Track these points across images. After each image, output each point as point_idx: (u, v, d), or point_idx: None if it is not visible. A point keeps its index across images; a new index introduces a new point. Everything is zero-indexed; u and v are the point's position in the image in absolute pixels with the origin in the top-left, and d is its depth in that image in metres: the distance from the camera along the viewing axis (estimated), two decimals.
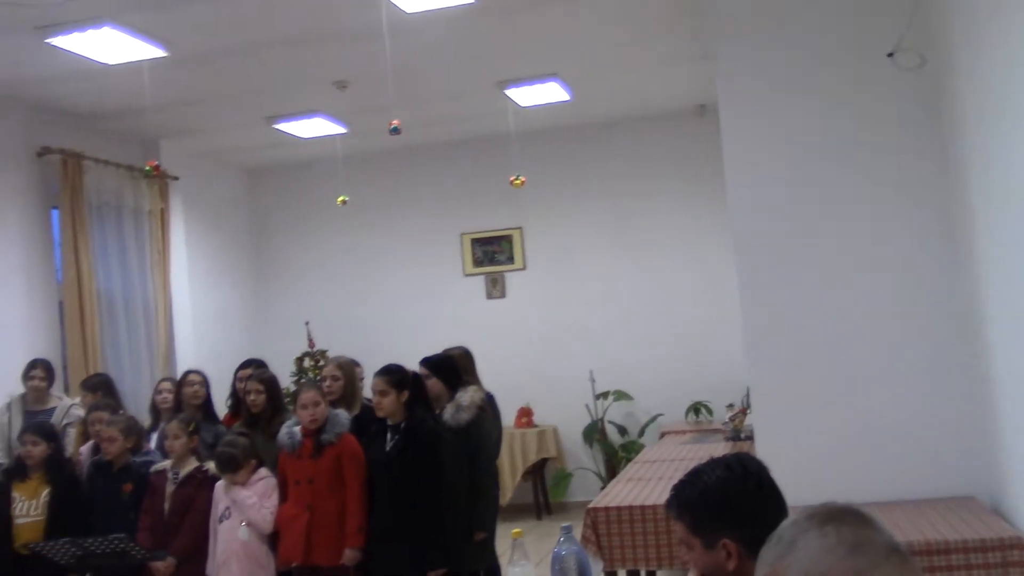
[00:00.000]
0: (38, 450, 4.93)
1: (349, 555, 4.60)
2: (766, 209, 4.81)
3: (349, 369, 5.29)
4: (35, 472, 4.94)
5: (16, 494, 4.90)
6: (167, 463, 4.88)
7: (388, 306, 9.62)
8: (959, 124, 4.31)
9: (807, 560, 1.42)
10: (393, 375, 4.70)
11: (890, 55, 4.14)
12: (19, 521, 4.86)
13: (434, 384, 5.11)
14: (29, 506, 4.88)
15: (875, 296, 4.66)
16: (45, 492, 4.91)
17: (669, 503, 2.13)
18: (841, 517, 1.44)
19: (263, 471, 4.73)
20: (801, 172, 4.75)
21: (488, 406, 5.28)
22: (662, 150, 9.10)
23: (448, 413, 4.96)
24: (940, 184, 4.59)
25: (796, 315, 4.74)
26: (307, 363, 8.95)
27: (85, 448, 5.36)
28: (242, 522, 4.60)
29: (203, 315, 8.81)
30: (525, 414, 9.11)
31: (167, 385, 5.89)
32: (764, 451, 4.62)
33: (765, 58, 4.86)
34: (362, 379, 5.55)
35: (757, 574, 1.52)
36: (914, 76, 4.36)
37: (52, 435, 5.13)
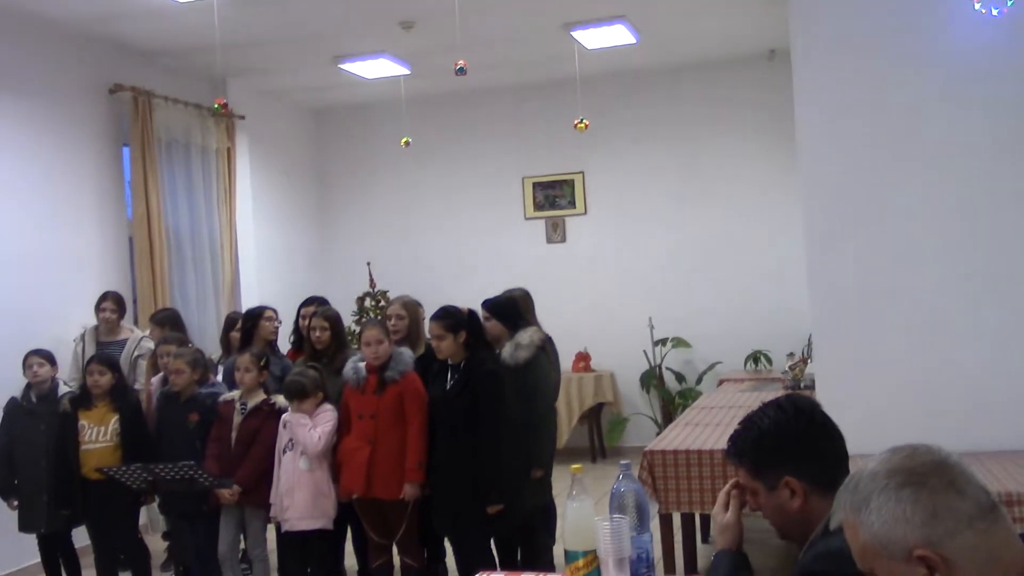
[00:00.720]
0: (104, 379, 5.08)
1: (408, 490, 4.68)
2: (837, 155, 4.73)
3: (413, 309, 5.33)
4: (100, 401, 5.10)
5: (84, 421, 5.05)
6: (235, 393, 5.00)
7: (449, 248, 9.68)
8: None
9: (879, 524, 1.43)
10: (447, 319, 4.71)
11: None
12: (87, 447, 5.03)
13: (494, 326, 5.14)
14: (97, 432, 5.04)
15: (945, 245, 4.58)
16: (114, 420, 5.07)
17: (728, 453, 2.15)
18: (923, 479, 1.42)
19: (327, 406, 4.83)
20: (875, 119, 4.65)
21: (547, 347, 5.31)
22: (729, 96, 8.96)
23: (507, 351, 5.01)
24: (1019, 134, 4.46)
25: (863, 264, 4.68)
26: (368, 303, 9.05)
27: (156, 379, 5.51)
28: (302, 452, 4.71)
29: (267, 253, 8.96)
30: (583, 359, 9.14)
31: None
32: (826, 400, 4.59)
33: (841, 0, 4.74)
34: (423, 319, 5.60)
35: (834, 517, 1.52)
36: (1000, 21, 4.22)
37: (116, 365, 5.29)
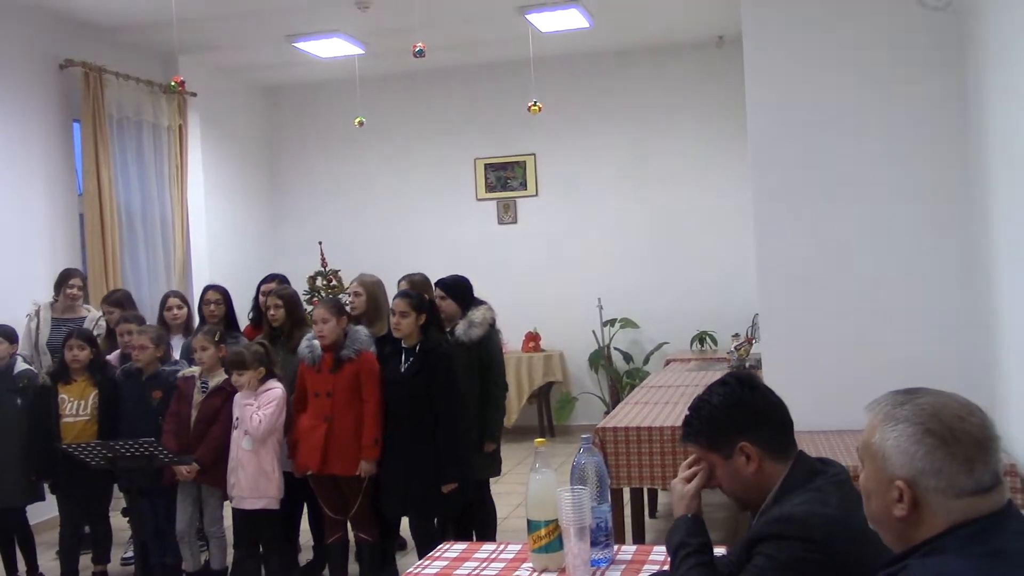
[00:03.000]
0: (84, 354, 5.16)
1: (364, 467, 4.74)
2: (785, 140, 4.87)
3: (371, 287, 5.37)
4: (79, 375, 5.18)
5: (64, 395, 5.13)
6: (195, 369, 5.03)
7: (401, 228, 9.72)
8: (982, 62, 4.36)
9: (891, 442, 1.59)
10: (413, 299, 4.81)
11: None
12: (68, 420, 5.10)
13: (448, 305, 5.24)
14: (78, 406, 5.13)
15: (889, 231, 4.75)
16: (93, 394, 5.16)
17: (684, 434, 2.27)
18: (950, 442, 1.55)
19: (273, 382, 4.84)
20: (822, 106, 4.80)
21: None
22: (679, 80, 9.11)
23: (460, 329, 5.13)
24: (960, 123, 4.64)
25: (809, 247, 4.84)
26: (319, 282, 9.08)
27: (113, 356, 5.52)
28: (245, 432, 4.76)
29: (218, 231, 8.92)
30: (532, 339, 9.27)
31: (176, 301, 5.97)
32: (771, 379, 4.75)
33: None
34: (383, 297, 5.62)
35: (872, 406, 1.66)
36: (940, 16, 4.39)
37: (94, 341, 5.35)
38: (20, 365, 5.22)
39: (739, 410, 2.17)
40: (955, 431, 1.55)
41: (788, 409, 2.22)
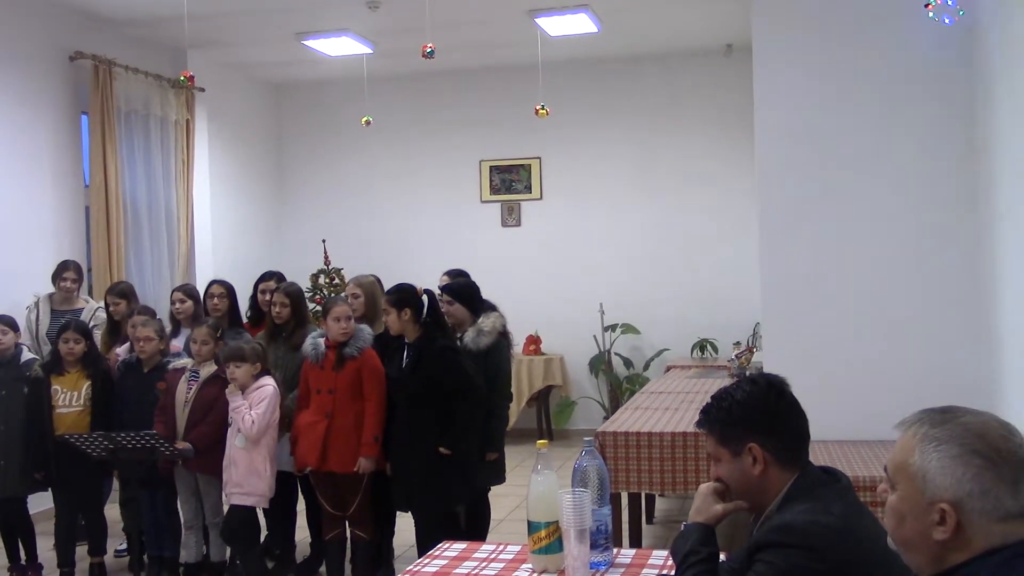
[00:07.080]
0: (79, 347, 5.17)
1: (363, 464, 4.76)
2: (793, 150, 4.89)
3: (369, 288, 5.40)
4: (73, 367, 5.19)
5: (57, 386, 5.14)
6: (187, 362, 5.06)
7: (404, 228, 9.74)
8: (989, 77, 4.37)
9: (935, 464, 1.52)
10: (392, 295, 4.83)
11: (927, 5, 4.17)
12: (61, 411, 5.12)
13: (457, 310, 5.22)
14: (71, 397, 5.14)
15: (894, 242, 4.77)
16: (86, 385, 5.17)
17: (700, 421, 2.26)
18: (997, 463, 1.50)
19: (267, 380, 4.84)
20: (830, 116, 4.82)
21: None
22: (686, 88, 9.13)
23: (469, 337, 5.10)
24: (966, 135, 4.66)
25: (814, 257, 4.85)
26: (322, 280, 9.09)
27: (122, 349, 5.52)
28: (238, 430, 4.77)
29: (222, 226, 8.94)
30: (533, 342, 9.28)
31: (179, 295, 5.96)
32: None
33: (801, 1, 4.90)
34: (380, 296, 5.64)
35: (906, 425, 1.60)
36: (949, 28, 4.40)
37: (89, 334, 5.36)
38: (26, 354, 5.23)
39: (758, 412, 2.15)
40: (1001, 452, 1.50)
41: (809, 423, 2.20)
